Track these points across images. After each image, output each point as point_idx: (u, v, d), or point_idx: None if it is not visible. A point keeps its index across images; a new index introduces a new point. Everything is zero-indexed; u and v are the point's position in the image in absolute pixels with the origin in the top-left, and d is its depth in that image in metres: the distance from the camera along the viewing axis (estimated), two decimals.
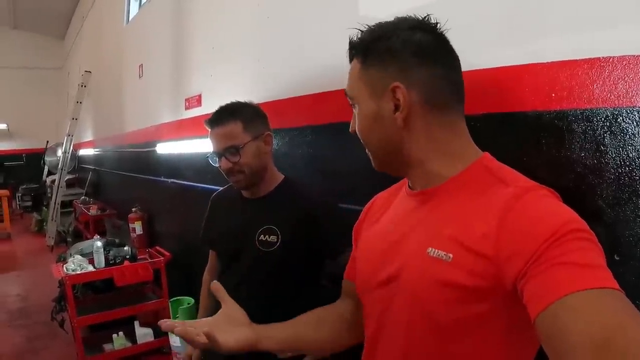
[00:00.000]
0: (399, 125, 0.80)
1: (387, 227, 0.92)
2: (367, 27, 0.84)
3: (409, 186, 0.90)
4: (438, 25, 0.82)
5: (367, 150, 0.89)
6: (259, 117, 1.51)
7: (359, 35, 0.84)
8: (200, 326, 0.86)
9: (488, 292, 0.70)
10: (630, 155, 0.88)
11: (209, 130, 1.49)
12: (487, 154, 0.84)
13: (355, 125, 0.87)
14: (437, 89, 0.80)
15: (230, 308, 0.95)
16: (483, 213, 0.73)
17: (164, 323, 0.86)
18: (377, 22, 0.84)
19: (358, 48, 0.84)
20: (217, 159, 1.48)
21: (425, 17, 0.82)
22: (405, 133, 0.81)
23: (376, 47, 0.81)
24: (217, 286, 0.96)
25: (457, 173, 0.81)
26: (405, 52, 0.79)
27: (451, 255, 0.74)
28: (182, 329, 0.84)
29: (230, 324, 0.92)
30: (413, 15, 0.83)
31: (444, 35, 0.83)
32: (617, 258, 0.90)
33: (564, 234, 0.63)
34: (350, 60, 0.87)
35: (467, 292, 0.72)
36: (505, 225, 0.69)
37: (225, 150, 1.44)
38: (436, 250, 0.76)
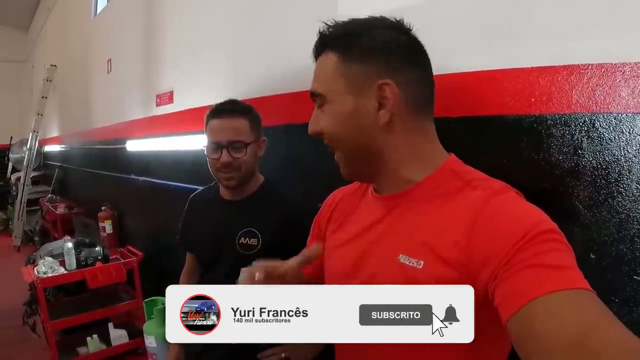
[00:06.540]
0: (380, 126, 0.77)
1: (355, 234, 0.88)
2: (335, 22, 0.81)
3: (374, 189, 0.88)
4: (411, 27, 0.81)
5: (336, 154, 0.84)
6: (260, 122, 1.51)
7: (331, 29, 0.80)
8: None
9: None
10: (607, 159, 0.91)
11: (215, 119, 1.43)
12: (452, 155, 0.83)
13: (321, 124, 0.82)
14: (419, 91, 0.79)
15: None
16: (453, 219, 0.72)
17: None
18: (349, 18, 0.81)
19: (335, 42, 0.80)
20: (216, 151, 1.42)
21: (400, 19, 0.81)
22: (385, 135, 0.78)
23: (358, 42, 0.78)
24: None
25: (426, 177, 0.79)
26: (390, 50, 0.77)
27: (422, 262, 0.73)
28: None
29: None
30: (386, 16, 0.81)
31: (417, 37, 0.82)
32: (592, 257, 0.93)
33: (534, 236, 0.62)
34: (318, 55, 0.83)
35: None
36: (475, 231, 0.68)
37: (232, 143, 1.41)
38: (407, 257, 0.75)
